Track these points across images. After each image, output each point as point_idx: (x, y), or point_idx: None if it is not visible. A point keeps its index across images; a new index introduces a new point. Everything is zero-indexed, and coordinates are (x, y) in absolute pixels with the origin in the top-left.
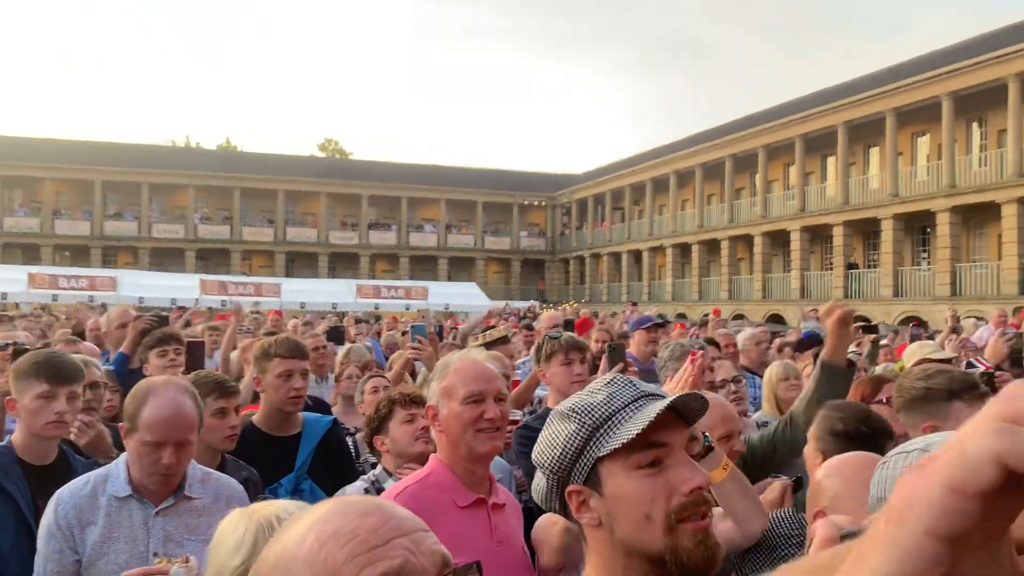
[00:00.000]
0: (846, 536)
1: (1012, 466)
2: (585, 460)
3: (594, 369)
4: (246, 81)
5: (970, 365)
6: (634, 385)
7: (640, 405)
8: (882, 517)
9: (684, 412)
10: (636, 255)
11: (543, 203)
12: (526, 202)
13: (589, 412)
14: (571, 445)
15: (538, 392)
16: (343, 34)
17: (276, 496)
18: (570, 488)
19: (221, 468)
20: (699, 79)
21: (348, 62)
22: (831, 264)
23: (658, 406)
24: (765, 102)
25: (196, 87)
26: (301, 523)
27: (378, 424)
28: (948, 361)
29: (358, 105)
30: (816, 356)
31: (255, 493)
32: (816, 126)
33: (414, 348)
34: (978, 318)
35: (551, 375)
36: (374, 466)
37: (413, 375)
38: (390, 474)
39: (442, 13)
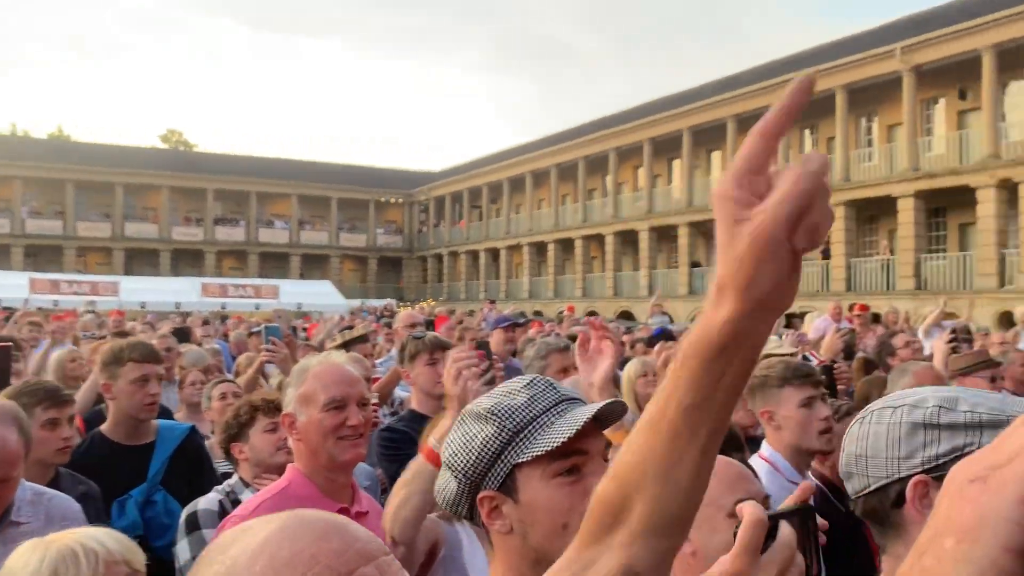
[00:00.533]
0: (774, 517)
1: None
2: (502, 465)
3: None
4: (80, 68)
5: (805, 359)
6: (555, 388)
7: (562, 410)
8: (945, 535)
9: (603, 417)
10: (494, 253)
11: (400, 200)
12: (383, 199)
13: (510, 415)
14: (488, 449)
15: (399, 393)
16: (185, 21)
17: (124, 509)
18: (483, 494)
19: (55, 484)
20: (555, 80)
21: (191, 50)
22: (677, 263)
23: (583, 413)
24: (617, 105)
25: (24, 71)
26: (247, 542)
27: (237, 431)
28: (788, 355)
29: (204, 97)
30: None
31: (94, 508)
32: (663, 130)
33: (268, 351)
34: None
35: (415, 376)
36: (227, 475)
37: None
38: (247, 485)
39: (291, 5)
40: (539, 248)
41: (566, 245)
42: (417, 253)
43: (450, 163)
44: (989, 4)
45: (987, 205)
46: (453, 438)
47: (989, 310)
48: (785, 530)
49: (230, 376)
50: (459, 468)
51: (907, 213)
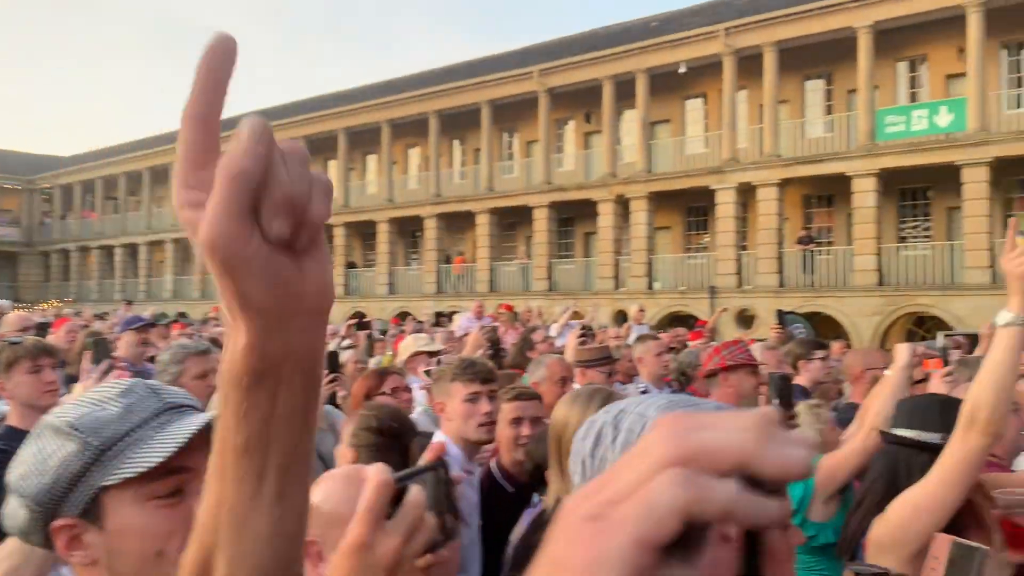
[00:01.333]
0: (402, 479)
1: (696, 516)
2: (84, 489)
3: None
4: None
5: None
6: (157, 395)
7: (164, 422)
8: None
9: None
10: (132, 249)
11: (18, 187)
12: None
13: (97, 430)
14: (67, 471)
15: None
16: None
17: None
18: (59, 523)
19: None
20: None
21: None
22: (333, 263)
23: (189, 426)
24: (269, 101)
25: None
26: None
27: None
28: (438, 352)
29: None
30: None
31: None
32: (318, 129)
33: None
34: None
35: (13, 387)
36: None
37: None
38: None
39: None
40: (185, 245)
41: None
42: (38, 247)
43: (82, 148)
44: (609, 39)
45: (606, 217)
46: (24, 458)
47: (607, 310)
48: (414, 491)
49: None
50: (31, 493)
51: (541, 222)
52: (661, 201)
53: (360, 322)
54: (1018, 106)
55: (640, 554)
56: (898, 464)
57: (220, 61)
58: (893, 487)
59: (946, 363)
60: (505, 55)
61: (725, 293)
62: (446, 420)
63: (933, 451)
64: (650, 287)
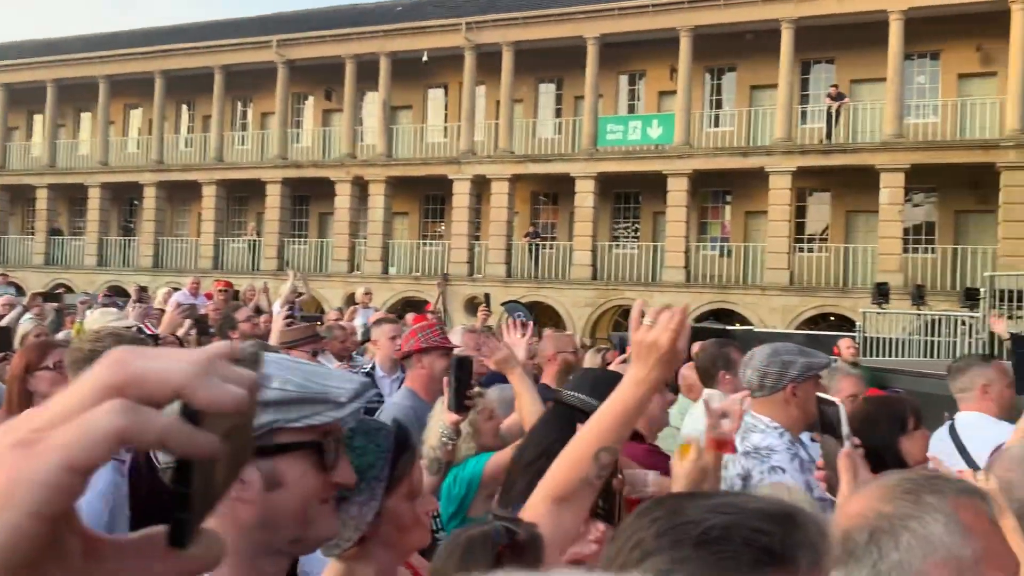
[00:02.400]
0: None
1: (132, 442)
2: None
3: None
4: None
5: (140, 331)
6: None
7: None
8: None
9: None
10: None
11: None
12: None
13: None
14: None
15: None
16: None
17: None
18: None
19: None
20: None
21: None
22: (33, 229)
23: None
24: None
25: None
26: None
27: None
28: (131, 328)
29: None
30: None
31: None
32: (23, 78)
33: None
34: (175, 288)
35: None
36: None
37: None
38: None
39: None
40: None
41: None
42: None
43: None
44: (353, 18)
45: (343, 198)
46: None
47: (340, 292)
48: None
49: None
50: None
51: (275, 198)
52: (400, 187)
53: (48, 294)
54: (716, 125)
55: (69, 477)
56: (576, 431)
57: None
58: None
59: (623, 352)
60: (242, 21)
61: (457, 281)
62: None
63: None
64: (385, 271)
